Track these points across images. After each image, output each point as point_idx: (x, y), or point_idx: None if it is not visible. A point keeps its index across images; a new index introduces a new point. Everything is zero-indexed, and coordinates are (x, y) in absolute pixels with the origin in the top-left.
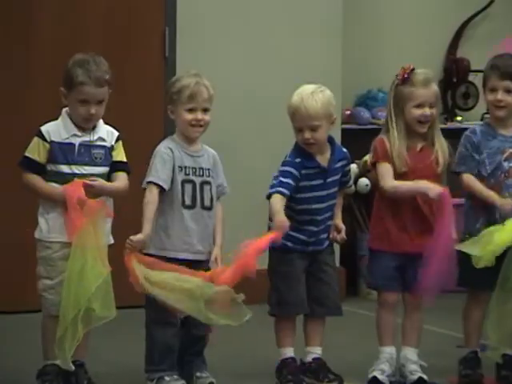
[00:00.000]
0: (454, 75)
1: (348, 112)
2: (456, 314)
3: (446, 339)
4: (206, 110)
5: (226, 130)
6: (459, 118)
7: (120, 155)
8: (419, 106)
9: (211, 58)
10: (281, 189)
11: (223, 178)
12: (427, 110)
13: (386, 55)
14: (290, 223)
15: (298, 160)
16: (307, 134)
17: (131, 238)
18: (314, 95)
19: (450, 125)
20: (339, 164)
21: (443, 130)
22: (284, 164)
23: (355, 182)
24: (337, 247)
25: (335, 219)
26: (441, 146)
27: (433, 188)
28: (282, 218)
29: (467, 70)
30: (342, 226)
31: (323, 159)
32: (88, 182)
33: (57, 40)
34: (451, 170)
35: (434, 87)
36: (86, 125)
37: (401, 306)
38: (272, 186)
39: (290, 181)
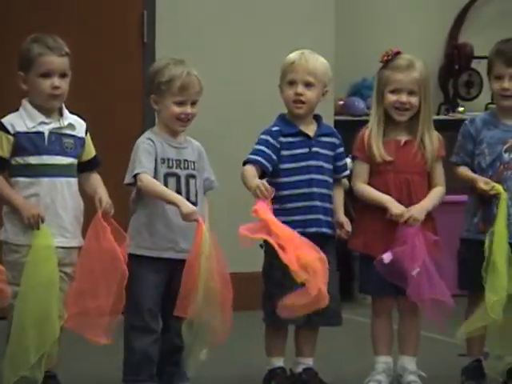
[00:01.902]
0: (456, 62)
1: (341, 102)
2: (457, 319)
3: (447, 347)
4: (194, 103)
5: (210, 121)
6: (461, 109)
7: (92, 150)
8: (395, 91)
9: (194, 44)
10: (252, 156)
11: (210, 172)
12: (403, 97)
13: (383, 40)
14: (278, 206)
15: (275, 128)
16: (300, 89)
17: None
18: (314, 55)
19: (451, 116)
20: (327, 139)
21: (444, 122)
22: (261, 133)
23: (349, 178)
24: None
25: (336, 214)
26: (430, 140)
27: (396, 206)
28: (257, 181)
29: (470, 56)
30: (343, 220)
31: (308, 130)
32: (102, 212)
33: (29, 25)
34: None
35: (416, 74)
36: (51, 103)
37: (396, 311)
38: None
39: (263, 148)
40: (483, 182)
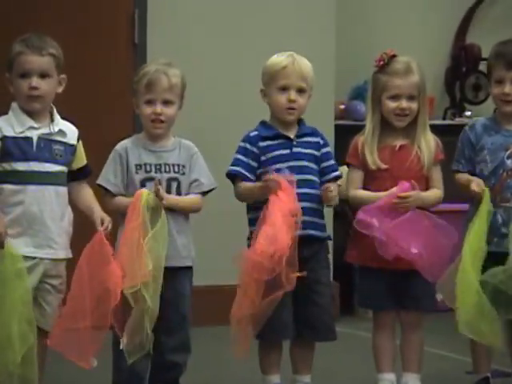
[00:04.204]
0: (463, 64)
1: (342, 106)
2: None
3: (453, 364)
4: (167, 102)
5: (201, 125)
6: (468, 113)
7: (84, 159)
8: (395, 97)
9: (186, 45)
10: (231, 168)
11: (200, 173)
12: (404, 103)
13: (386, 40)
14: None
15: (253, 133)
16: (293, 95)
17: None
18: (302, 58)
19: (458, 121)
20: (309, 139)
21: (450, 127)
22: (240, 140)
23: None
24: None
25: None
26: (427, 144)
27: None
28: (260, 184)
29: (478, 57)
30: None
31: (288, 132)
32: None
33: (16, 25)
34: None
35: (416, 78)
36: (31, 105)
37: (399, 326)
38: None
39: (240, 156)
40: (475, 184)
